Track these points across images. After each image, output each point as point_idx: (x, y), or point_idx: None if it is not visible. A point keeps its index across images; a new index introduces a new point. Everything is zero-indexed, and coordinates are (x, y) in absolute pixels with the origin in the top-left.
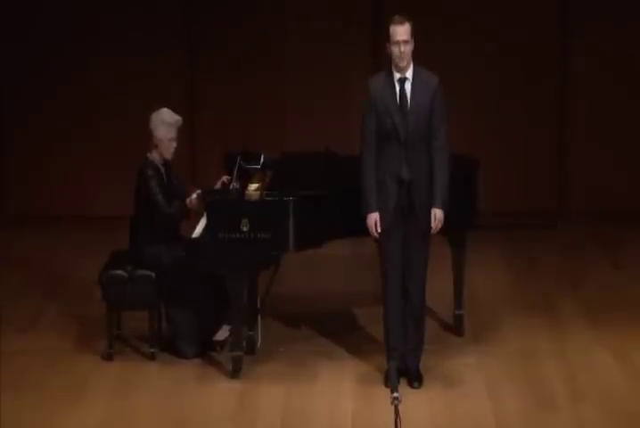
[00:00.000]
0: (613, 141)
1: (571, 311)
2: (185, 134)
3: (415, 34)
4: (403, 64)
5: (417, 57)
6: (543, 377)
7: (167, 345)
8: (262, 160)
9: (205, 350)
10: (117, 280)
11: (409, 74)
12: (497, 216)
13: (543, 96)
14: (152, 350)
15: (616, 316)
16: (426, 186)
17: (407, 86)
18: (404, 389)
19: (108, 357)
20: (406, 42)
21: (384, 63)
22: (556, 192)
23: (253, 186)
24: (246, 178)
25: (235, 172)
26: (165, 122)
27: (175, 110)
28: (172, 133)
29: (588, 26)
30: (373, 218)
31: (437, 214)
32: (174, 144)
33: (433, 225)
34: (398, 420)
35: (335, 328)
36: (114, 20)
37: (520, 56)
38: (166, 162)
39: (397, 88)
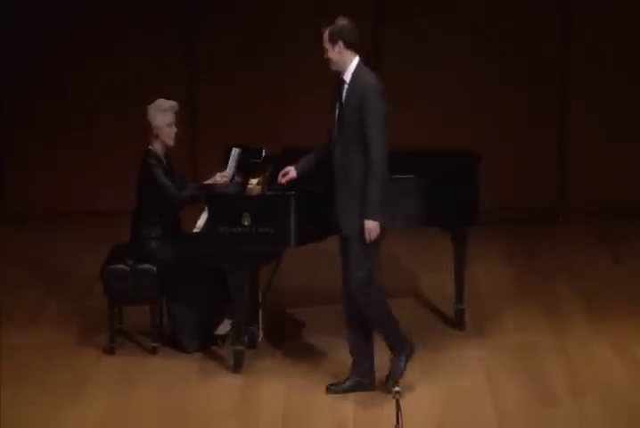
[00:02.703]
0: (613, 138)
1: (572, 305)
2: (185, 134)
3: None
4: (332, 68)
5: (418, 57)
6: (544, 371)
7: (168, 339)
8: (263, 153)
9: (206, 345)
10: (118, 274)
11: (347, 77)
12: (498, 211)
13: (544, 95)
14: (154, 345)
15: (616, 311)
16: (345, 192)
17: (344, 89)
18: (405, 383)
19: (109, 351)
20: (324, 49)
21: (385, 64)
22: (557, 187)
23: (254, 180)
24: (247, 172)
25: (230, 163)
26: (160, 109)
27: None
28: (170, 118)
29: (589, 25)
30: None
31: (365, 225)
32: (174, 129)
33: (366, 235)
34: (400, 414)
35: (337, 322)
36: (114, 20)
37: (520, 55)
38: (167, 154)
39: (340, 90)
